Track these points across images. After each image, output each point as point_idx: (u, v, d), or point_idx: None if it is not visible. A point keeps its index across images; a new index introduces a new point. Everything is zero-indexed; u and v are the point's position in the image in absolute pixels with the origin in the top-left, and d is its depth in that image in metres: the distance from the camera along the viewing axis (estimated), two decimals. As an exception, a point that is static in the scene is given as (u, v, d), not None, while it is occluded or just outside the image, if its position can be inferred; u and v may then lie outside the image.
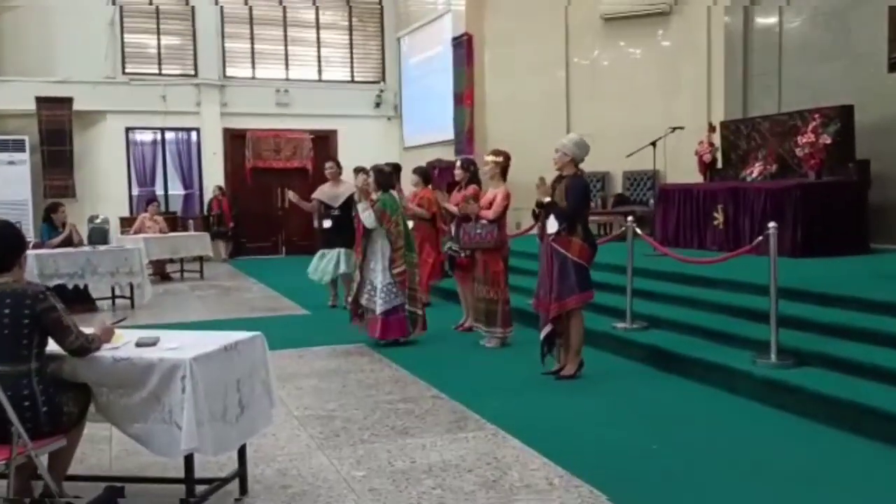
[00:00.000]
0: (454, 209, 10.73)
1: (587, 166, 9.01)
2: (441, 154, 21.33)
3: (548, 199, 8.35)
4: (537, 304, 8.82)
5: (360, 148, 23.52)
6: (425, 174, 13.22)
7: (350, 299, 10.77)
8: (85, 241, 15.11)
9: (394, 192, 10.40)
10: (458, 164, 10.95)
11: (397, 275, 10.11)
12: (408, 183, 13.64)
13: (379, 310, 10.16)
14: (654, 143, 15.28)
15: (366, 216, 9.98)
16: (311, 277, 12.53)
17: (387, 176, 10.82)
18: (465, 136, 20.61)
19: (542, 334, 8.65)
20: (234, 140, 24.60)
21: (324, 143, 25.20)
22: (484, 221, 10.22)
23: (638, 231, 10.28)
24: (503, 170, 10.20)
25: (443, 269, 12.52)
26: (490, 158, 10.25)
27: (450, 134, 21.59)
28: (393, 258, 10.13)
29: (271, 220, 24.96)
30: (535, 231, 9.21)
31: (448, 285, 13.19)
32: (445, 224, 11.81)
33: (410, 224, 11.57)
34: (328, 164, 14.14)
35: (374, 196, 10.72)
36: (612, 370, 9.19)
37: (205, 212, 23.80)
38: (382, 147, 24.24)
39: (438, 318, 11.82)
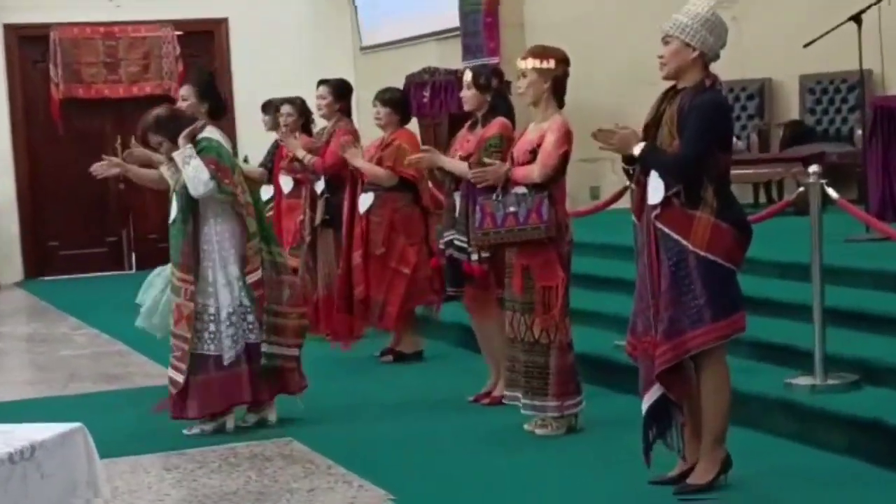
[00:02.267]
0: (460, 167, 7.97)
1: (723, 69, 6.69)
2: (433, 59, 15.91)
3: (641, 146, 6.18)
4: (634, 346, 6.48)
5: (274, 52, 17.19)
6: (399, 103, 9.74)
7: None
8: None
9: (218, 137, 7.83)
10: (468, 76, 8.22)
11: (253, 285, 7.67)
12: (367, 119, 10.38)
13: (227, 359, 7.58)
14: (857, 18, 10.94)
15: (189, 171, 7.47)
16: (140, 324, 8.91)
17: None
18: (479, 23, 15.78)
19: (645, 405, 6.42)
20: (27, 48, 17.04)
21: (203, 44, 17.77)
22: (521, 189, 7.42)
23: (832, 194, 7.73)
24: (556, 86, 7.45)
25: (440, 286, 9.35)
26: (530, 64, 7.45)
27: (451, 21, 16.26)
28: (243, 253, 7.72)
29: (105, 204, 17.26)
30: (626, 205, 7.08)
31: (454, 315, 9.79)
32: (442, 197, 9.05)
33: (368, 200, 9.28)
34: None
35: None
36: (793, 473, 6.64)
37: None
38: (317, 50, 17.38)
39: (435, 379, 9.19)
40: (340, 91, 10.19)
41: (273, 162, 11.17)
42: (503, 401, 7.59)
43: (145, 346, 10.72)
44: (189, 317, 7.51)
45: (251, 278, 7.69)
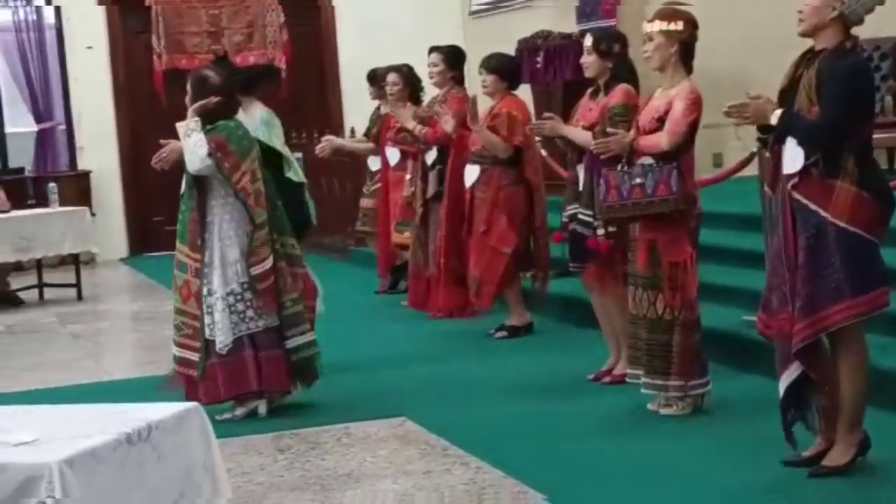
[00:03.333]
0: (583, 137, 7.66)
1: (865, 30, 6.36)
2: (546, 23, 15.19)
3: (778, 113, 5.87)
4: (767, 324, 6.22)
5: (380, 19, 16.70)
6: (506, 69, 9.45)
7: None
8: None
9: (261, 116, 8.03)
10: (588, 41, 7.89)
11: (259, 277, 7.32)
12: (478, 86, 9.78)
13: (220, 345, 7.30)
14: None
15: (189, 144, 7.24)
16: None
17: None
18: None
19: (783, 385, 6.16)
20: (129, 19, 16.64)
21: (307, 11, 17.27)
22: (648, 160, 7.08)
23: None
24: (684, 50, 7.12)
25: (542, 260, 9.24)
26: (656, 27, 7.14)
27: None
28: (250, 245, 7.37)
29: None
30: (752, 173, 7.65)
31: (569, 288, 9.41)
32: (561, 169, 8.98)
33: (474, 173, 8.99)
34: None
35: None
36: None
37: (77, 163, 16.58)
38: (426, 16, 16.83)
39: (549, 357, 8.78)
40: (453, 58, 9.94)
41: (378, 132, 10.96)
42: (626, 379, 7.42)
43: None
44: (197, 294, 7.37)
45: (256, 270, 7.41)
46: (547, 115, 8.16)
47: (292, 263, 7.64)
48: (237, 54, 16.11)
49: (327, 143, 11.59)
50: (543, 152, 9.70)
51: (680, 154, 7.02)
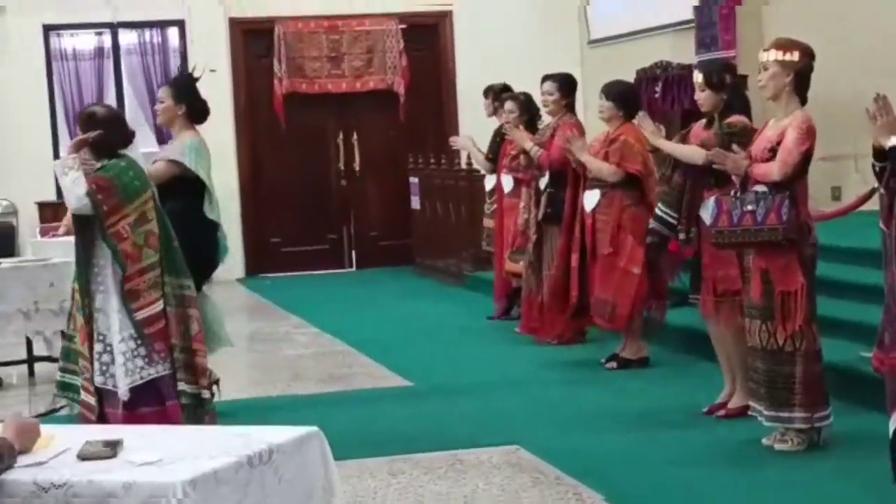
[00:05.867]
0: (688, 150, 7.66)
1: None
2: (665, 53, 15.26)
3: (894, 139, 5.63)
4: (881, 360, 5.94)
5: (499, 45, 16.53)
6: (625, 97, 9.35)
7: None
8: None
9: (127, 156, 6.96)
10: (699, 78, 7.87)
11: (145, 321, 6.75)
12: (593, 113, 9.98)
13: (122, 388, 6.71)
14: None
15: (66, 182, 6.68)
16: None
17: None
18: (715, 15, 15.02)
19: (893, 424, 5.80)
20: (251, 42, 16.70)
21: (426, 37, 17.06)
22: (762, 187, 7.05)
23: None
24: (799, 80, 7.07)
25: (661, 284, 8.91)
26: (772, 56, 7.11)
27: (684, 12, 15.47)
28: (130, 287, 6.74)
29: (327, 201, 16.89)
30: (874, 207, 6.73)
31: (687, 319, 9.17)
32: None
33: (594, 197, 8.88)
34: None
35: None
36: None
37: None
38: (544, 43, 16.65)
39: (665, 388, 8.64)
40: (566, 87, 9.89)
41: (496, 153, 10.98)
42: (749, 413, 7.24)
43: (368, 347, 10.72)
44: (90, 335, 6.89)
45: (140, 315, 6.88)
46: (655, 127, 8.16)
47: (185, 304, 7.06)
48: (357, 79, 16.17)
49: (466, 138, 11.65)
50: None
51: (793, 183, 6.90)
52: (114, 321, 6.73)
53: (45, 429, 4.47)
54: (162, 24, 16.08)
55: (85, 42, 15.87)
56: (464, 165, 13.36)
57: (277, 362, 10.44)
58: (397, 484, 6.50)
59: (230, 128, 15.98)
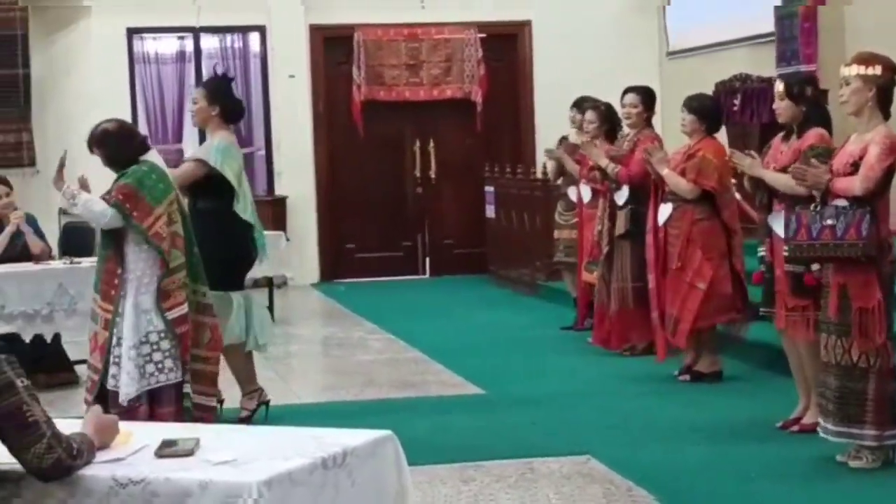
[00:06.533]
0: (781, 179, 7.30)
1: None
2: (744, 65, 14.74)
3: None
4: None
5: (577, 55, 16.26)
6: (706, 111, 9.15)
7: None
8: (55, 253, 10.88)
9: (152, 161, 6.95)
10: (780, 87, 7.70)
11: (176, 321, 6.76)
12: (671, 126, 9.88)
13: (122, 396, 6.68)
14: None
15: (80, 210, 6.85)
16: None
17: None
18: (796, 28, 14.52)
19: None
20: (330, 48, 16.42)
21: (505, 47, 16.81)
22: (842, 202, 6.85)
23: None
24: (881, 95, 6.88)
25: (744, 303, 8.83)
26: (854, 71, 6.84)
27: (764, 25, 14.90)
28: (163, 287, 6.78)
29: (403, 208, 16.74)
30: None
31: (762, 333, 8.89)
32: (752, 211, 8.31)
33: (667, 210, 8.73)
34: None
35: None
36: None
37: (274, 189, 16.48)
38: (622, 54, 16.43)
39: (738, 402, 8.49)
40: (648, 99, 9.85)
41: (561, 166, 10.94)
42: (817, 429, 7.14)
43: (442, 355, 10.67)
44: (103, 346, 6.88)
45: (173, 314, 6.93)
46: (748, 152, 7.94)
47: (201, 311, 7.13)
48: (434, 87, 16.09)
49: (559, 151, 11.53)
50: (737, 195, 9.51)
51: (874, 199, 6.74)
52: (142, 322, 6.72)
53: (124, 426, 4.48)
54: (244, 30, 16.07)
55: (167, 46, 15.89)
56: (539, 175, 13.25)
57: (351, 367, 10.40)
58: (468, 491, 6.46)
59: (308, 134, 15.95)
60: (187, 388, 6.88)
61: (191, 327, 6.89)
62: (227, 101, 7.94)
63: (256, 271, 12.63)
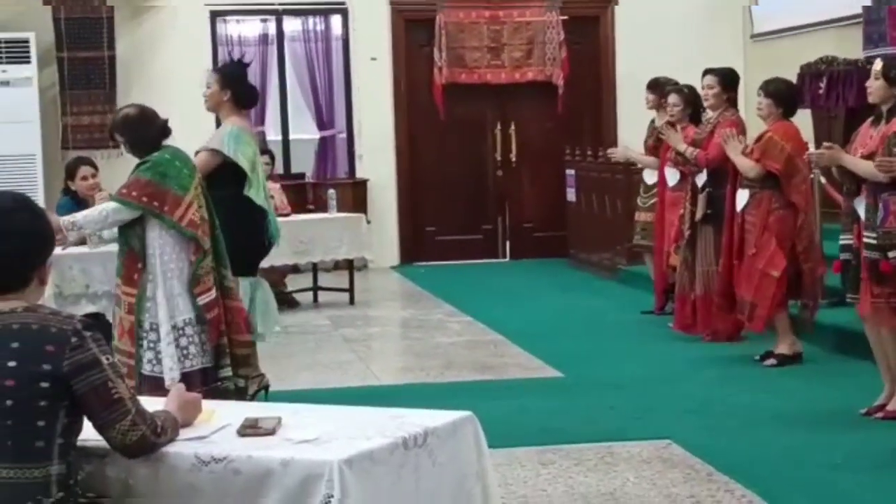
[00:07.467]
0: (863, 166, 7.08)
1: None
2: (830, 48, 14.12)
3: None
4: None
5: (660, 38, 15.87)
6: (782, 94, 8.94)
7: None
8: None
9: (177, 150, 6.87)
10: (878, 66, 7.38)
11: (206, 307, 6.68)
12: (753, 108, 9.55)
13: (167, 379, 6.56)
14: None
15: (96, 226, 6.90)
16: None
17: None
18: (884, 11, 13.78)
19: None
20: (412, 30, 16.21)
21: (587, 29, 16.46)
22: None
23: None
24: None
25: (815, 290, 8.78)
26: None
27: (851, 7, 14.41)
28: (195, 274, 6.70)
29: (483, 191, 16.56)
30: None
31: (845, 318, 8.87)
32: (838, 196, 8.05)
33: (744, 197, 8.67)
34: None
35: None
36: None
37: (355, 171, 16.34)
38: (706, 36, 16.06)
39: (819, 387, 8.32)
40: (728, 81, 9.63)
41: (654, 143, 10.75)
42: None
43: (521, 338, 10.53)
44: (131, 330, 6.77)
45: (203, 299, 6.85)
46: (826, 144, 7.76)
47: (227, 296, 7.03)
48: (516, 70, 15.88)
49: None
50: (822, 179, 9.31)
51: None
52: (173, 305, 6.66)
53: (206, 404, 4.49)
54: (326, 12, 15.90)
55: (250, 28, 15.84)
56: (620, 159, 13.13)
57: (430, 349, 10.32)
58: (547, 474, 6.39)
59: (390, 116, 15.82)
60: (227, 372, 6.82)
61: (221, 311, 6.80)
62: (239, 87, 7.84)
63: (341, 252, 12.84)
